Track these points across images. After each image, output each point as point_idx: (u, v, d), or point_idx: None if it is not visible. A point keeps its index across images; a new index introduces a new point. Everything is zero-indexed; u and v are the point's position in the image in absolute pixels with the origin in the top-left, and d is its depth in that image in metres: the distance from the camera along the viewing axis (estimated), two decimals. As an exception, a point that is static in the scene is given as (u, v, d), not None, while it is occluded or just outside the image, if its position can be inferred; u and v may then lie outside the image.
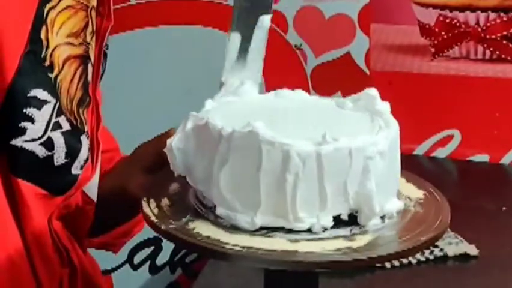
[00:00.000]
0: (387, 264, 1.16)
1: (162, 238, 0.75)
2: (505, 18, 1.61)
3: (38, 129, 0.88)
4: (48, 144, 0.89)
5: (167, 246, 1.75)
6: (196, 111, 0.78)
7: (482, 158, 1.68)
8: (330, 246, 0.70)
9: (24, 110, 0.87)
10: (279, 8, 1.65)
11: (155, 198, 0.79)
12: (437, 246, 1.21)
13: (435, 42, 1.67)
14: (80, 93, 0.94)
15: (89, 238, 1.04)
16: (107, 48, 1.01)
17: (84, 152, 0.94)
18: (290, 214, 0.72)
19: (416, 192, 0.81)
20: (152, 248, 1.75)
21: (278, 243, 0.71)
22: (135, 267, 1.76)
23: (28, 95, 0.87)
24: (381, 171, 0.73)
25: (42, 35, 0.89)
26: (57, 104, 0.90)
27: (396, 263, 1.17)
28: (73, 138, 0.92)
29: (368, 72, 1.69)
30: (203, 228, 0.73)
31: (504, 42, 1.63)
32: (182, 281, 1.78)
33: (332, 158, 0.71)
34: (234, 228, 0.73)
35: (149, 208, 0.77)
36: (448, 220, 0.77)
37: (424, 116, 1.68)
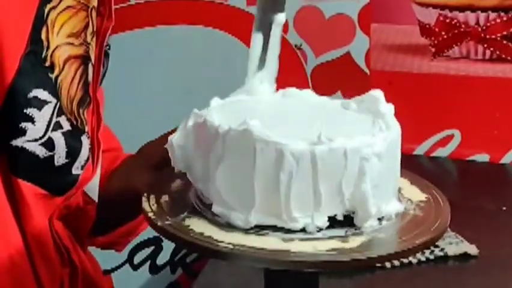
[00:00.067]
0: (387, 264, 1.16)
1: (162, 238, 0.76)
2: (505, 18, 1.61)
3: (39, 130, 0.88)
4: (49, 145, 0.90)
5: (168, 246, 1.75)
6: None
7: (482, 158, 1.68)
8: (323, 246, 0.70)
9: (25, 111, 0.87)
10: (279, 8, 1.65)
11: (156, 194, 0.80)
12: (437, 246, 1.21)
13: (435, 42, 1.67)
14: (80, 94, 0.94)
15: (93, 237, 1.04)
16: (109, 48, 1.01)
17: (85, 152, 0.94)
18: (284, 213, 0.72)
19: (418, 195, 0.81)
20: (153, 247, 1.75)
21: (271, 242, 0.71)
22: (135, 267, 1.76)
23: (28, 95, 0.87)
24: (378, 172, 0.72)
25: (43, 36, 0.89)
26: (58, 104, 0.90)
27: (396, 262, 1.17)
28: (73, 138, 0.92)
29: (368, 72, 1.69)
30: (198, 226, 0.73)
31: (504, 42, 1.63)
32: (182, 280, 1.78)
33: (327, 158, 0.71)
34: (230, 227, 0.73)
35: (149, 204, 0.78)
36: (446, 224, 0.76)
37: (424, 116, 1.68)
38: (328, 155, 0.71)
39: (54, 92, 0.90)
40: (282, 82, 0.90)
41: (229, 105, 0.82)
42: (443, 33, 1.66)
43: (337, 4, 1.67)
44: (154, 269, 1.77)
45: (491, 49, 1.63)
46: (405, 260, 1.17)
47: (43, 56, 0.89)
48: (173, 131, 0.83)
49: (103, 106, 1.02)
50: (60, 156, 0.91)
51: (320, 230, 0.72)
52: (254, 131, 0.71)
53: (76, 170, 0.93)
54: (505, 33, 1.62)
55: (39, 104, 0.88)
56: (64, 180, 0.93)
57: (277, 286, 0.79)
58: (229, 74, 1.64)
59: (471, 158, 1.68)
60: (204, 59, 1.70)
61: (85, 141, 0.94)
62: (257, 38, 0.86)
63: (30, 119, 0.88)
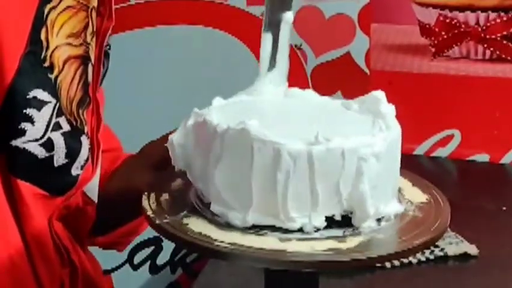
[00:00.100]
0: (387, 264, 1.16)
1: (162, 238, 0.76)
2: (505, 18, 1.61)
3: (38, 130, 0.88)
4: (48, 145, 0.89)
5: (168, 246, 1.75)
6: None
7: (482, 158, 1.68)
8: (320, 246, 0.70)
9: (24, 111, 0.87)
10: (279, 8, 1.65)
11: (157, 193, 0.80)
12: (437, 246, 1.21)
13: (435, 42, 1.67)
14: (80, 94, 0.93)
15: (94, 237, 1.04)
16: (109, 48, 1.01)
17: (84, 153, 0.94)
18: (281, 213, 0.72)
19: (419, 197, 0.81)
20: (153, 247, 1.75)
21: (268, 241, 0.71)
22: (135, 267, 1.76)
23: (28, 95, 0.87)
24: (376, 173, 0.72)
25: (42, 36, 0.89)
26: (57, 104, 0.90)
27: (396, 262, 1.17)
28: (72, 138, 0.92)
29: (368, 72, 1.69)
30: (196, 225, 0.74)
31: (504, 42, 1.63)
32: (182, 280, 1.78)
33: (324, 158, 0.70)
34: (228, 226, 0.73)
35: (148, 203, 0.78)
36: (445, 225, 0.76)
37: (424, 116, 1.68)
38: (325, 155, 0.70)
39: (54, 92, 0.90)
40: (282, 82, 0.90)
41: (231, 105, 0.82)
42: (443, 33, 1.66)
43: (337, 4, 1.67)
44: (154, 269, 1.77)
45: (491, 49, 1.63)
46: (405, 260, 1.17)
47: (43, 56, 0.89)
48: (175, 131, 0.83)
49: (103, 106, 1.01)
50: (59, 157, 0.91)
51: (318, 230, 0.72)
52: (252, 131, 0.71)
53: (75, 170, 0.93)
54: (505, 33, 1.62)
55: (39, 104, 0.88)
56: (64, 181, 0.93)
57: (277, 286, 0.79)
58: (229, 74, 1.65)
59: (471, 158, 1.68)
60: (204, 59, 1.70)
61: (85, 141, 0.94)
62: (267, 38, 0.86)
63: (30, 120, 0.88)
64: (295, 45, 1.70)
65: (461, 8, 1.63)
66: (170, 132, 0.90)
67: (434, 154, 1.70)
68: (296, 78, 1.70)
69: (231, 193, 0.73)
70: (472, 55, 1.66)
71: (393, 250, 0.71)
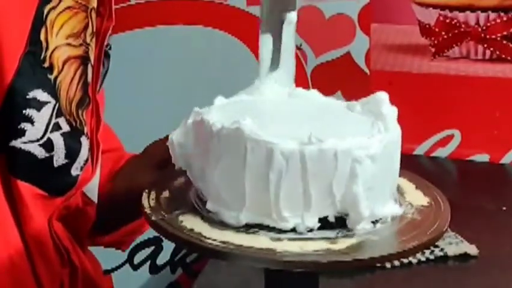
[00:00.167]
0: (388, 264, 1.16)
1: (162, 238, 0.76)
2: (505, 18, 1.61)
3: (38, 130, 0.88)
4: (48, 146, 0.89)
5: (168, 246, 1.75)
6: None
7: (482, 158, 1.68)
8: (310, 247, 0.70)
9: (24, 111, 0.87)
10: (279, 8, 1.65)
11: (157, 191, 0.80)
12: (437, 246, 1.21)
13: (435, 42, 1.67)
14: (79, 94, 0.93)
15: (98, 236, 1.04)
16: (109, 49, 1.01)
17: (84, 153, 0.94)
18: (274, 213, 0.72)
19: (420, 200, 0.80)
20: (153, 248, 1.75)
21: (260, 240, 0.71)
22: (135, 267, 1.76)
23: (27, 96, 0.87)
24: (372, 175, 0.72)
25: (42, 36, 0.89)
26: (57, 105, 0.90)
27: (396, 262, 1.16)
28: (72, 139, 0.92)
29: (368, 72, 1.69)
30: (190, 222, 0.74)
31: (504, 42, 1.63)
32: (182, 280, 1.78)
33: (316, 158, 0.70)
34: (223, 225, 0.73)
35: (148, 200, 0.78)
36: (443, 229, 0.75)
37: (424, 116, 1.68)
38: (318, 156, 0.70)
39: (54, 92, 0.90)
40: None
41: (232, 105, 0.82)
42: (443, 33, 1.66)
43: (337, 4, 1.67)
44: (154, 269, 1.77)
45: (491, 49, 1.63)
46: (405, 260, 1.17)
47: (42, 56, 0.89)
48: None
49: (103, 107, 1.01)
50: (59, 157, 0.91)
51: (311, 230, 0.72)
52: (245, 130, 0.71)
53: (75, 170, 0.93)
54: (505, 33, 1.62)
55: (38, 104, 0.88)
56: (63, 181, 0.93)
57: (277, 286, 0.79)
58: (229, 74, 1.65)
59: (471, 158, 1.68)
60: (204, 59, 1.70)
61: (84, 142, 0.94)
62: (266, 40, 0.86)
63: (29, 120, 0.88)
64: (295, 45, 1.69)
65: (461, 8, 1.63)
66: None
67: (434, 154, 1.70)
68: (296, 78, 1.71)
69: (226, 192, 0.73)
70: (472, 55, 1.65)
71: (386, 252, 0.71)
